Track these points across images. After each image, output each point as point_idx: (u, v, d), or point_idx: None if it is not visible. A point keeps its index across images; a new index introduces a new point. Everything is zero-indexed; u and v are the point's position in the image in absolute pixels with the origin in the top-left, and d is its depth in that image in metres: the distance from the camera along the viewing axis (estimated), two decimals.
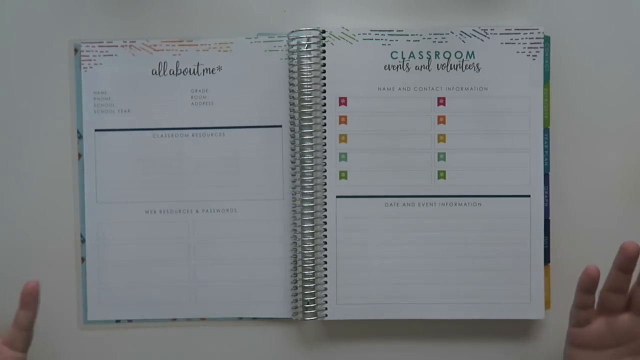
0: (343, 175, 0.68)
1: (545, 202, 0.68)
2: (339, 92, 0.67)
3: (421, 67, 0.67)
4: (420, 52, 0.67)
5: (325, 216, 0.68)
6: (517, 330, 0.69)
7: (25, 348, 0.62)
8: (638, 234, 0.68)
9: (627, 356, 0.60)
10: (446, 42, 0.67)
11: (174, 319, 0.70)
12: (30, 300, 0.61)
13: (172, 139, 0.69)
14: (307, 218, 0.68)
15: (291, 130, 0.68)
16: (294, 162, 0.68)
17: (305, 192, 0.67)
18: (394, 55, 0.67)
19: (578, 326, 0.61)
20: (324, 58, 0.67)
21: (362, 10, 0.69)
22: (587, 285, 0.59)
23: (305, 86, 0.67)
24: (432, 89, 0.68)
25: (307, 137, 0.67)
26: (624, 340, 0.60)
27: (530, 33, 0.67)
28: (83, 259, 0.69)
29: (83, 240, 0.69)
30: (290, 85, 0.68)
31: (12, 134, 0.69)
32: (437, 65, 0.67)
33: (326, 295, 0.68)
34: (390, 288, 0.68)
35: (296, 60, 0.67)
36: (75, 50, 0.69)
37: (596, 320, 0.61)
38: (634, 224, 0.69)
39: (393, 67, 0.67)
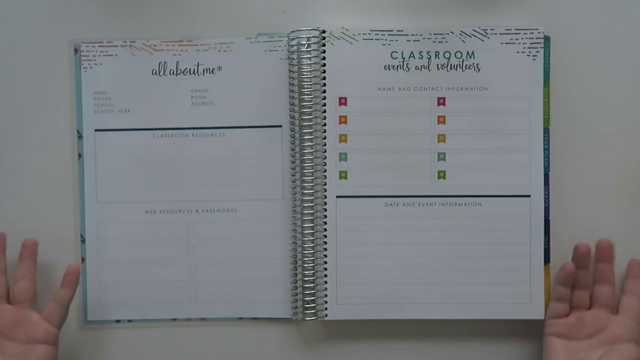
0: (343, 175, 0.68)
1: (545, 202, 0.68)
2: (339, 92, 0.67)
3: (421, 67, 0.67)
4: (420, 52, 0.67)
5: (325, 216, 0.68)
6: (517, 330, 0.69)
7: (61, 324, 0.66)
8: (638, 234, 0.68)
9: (601, 346, 0.65)
10: (446, 42, 0.67)
11: (174, 319, 0.70)
12: (72, 279, 0.66)
13: (172, 139, 0.69)
14: (307, 218, 0.68)
15: (291, 130, 0.68)
16: (294, 162, 0.68)
17: (305, 192, 0.67)
18: (394, 55, 0.67)
19: (554, 318, 0.66)
20: (324, 58, 0.67)
21: (362, 10, 0.69)
22: (563, 279, 0.66)
23: (305, 86, 0.67)
24: (432, 89, 0.68)
25: (307, 137, 0.67)
26: (594, 332, 0.65)
27: (530, 33, 0.67)
28: (83, 259, 0.70)
29: (83, 240, 0.69)
30: (290, 85, 0.68)
31: (12, 134, 0.69)
32: (437, 65, 0.67)
33: (326, 295, 0.68)
34: (390, 288, 0.68)
35: (296, 60, 0.67)
36: (75, 50, 0.69)
37: (570, 313, 0.66)
38: (634, 224, 0.69)
39: (393, 67, 0.67)
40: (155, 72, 0.69)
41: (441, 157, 0.68)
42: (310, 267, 0.67)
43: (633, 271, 0.67)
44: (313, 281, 0.67)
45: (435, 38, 0.67)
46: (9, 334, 0.64)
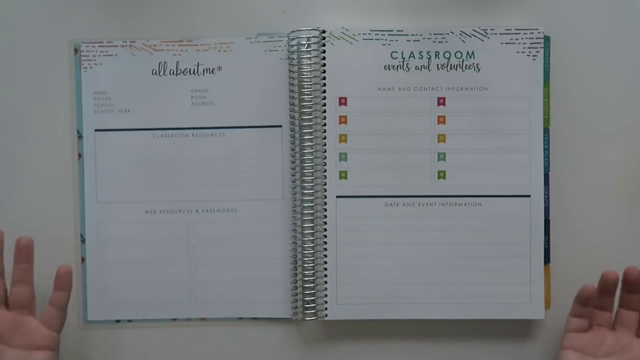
0: (343, 175, 0.68)
1: (545, 202, 0.68)
2: (339, 92, 0.67)
3: (421, 67, 0.67)
4: (420, 52, 0.67)
5: (325, 216, 0.68)
6: (517, 330, 0.69)
7: (60, 328, 0.65)
8: (638, 234, 0.68)
9: None
10: (446, 42, 0.67)
11: (174, 319, 0.70)
12: (64, 280, 0.64)
13: (172, 139, 0.69)
14: (307, 218, 0.68)
15: (291, 130, 0.68)
16: (294, 162, 0.68)
17: (305, 192, 0.67)
18: (394, 55, 0.67)
19: (573, 332, 0.65)
20: (324, 58, 0.67)
21: (362, 10, 0.69)
22: (582, 299, 0.65)
23: (305, 86, 0.67)
24: (432, 89, 0.68)
25: (307, 137, 0.67)
26: (613, 351, 0.64)
27: (530, 33, 0.67)
28: (83, 259, 0.69)
29: (83, 240, 0.69)
30: (290, 85, 0.68)
31: (12, 134, 0.69)
32: (437, 65, 0.67)
33: (326, 295, 0.68)
34: (390, 288, 0.68)
35: (296, 60, 0.67)
36: (75, 50, 0.69)
37: (590, 330, 0.65)
38: (634, 224, 0.69)
39: (393, 67, 0.67)
40: (155, 72, 0.69)
41: (441, 157, 0.68)
42: (310, 267, 0.67)
43: None
44: (313, 281, 0.67)
45: (435, 38, 0.67)
46: (9, 341, 0.63)
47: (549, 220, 0.68)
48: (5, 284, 0.65)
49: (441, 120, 0.68)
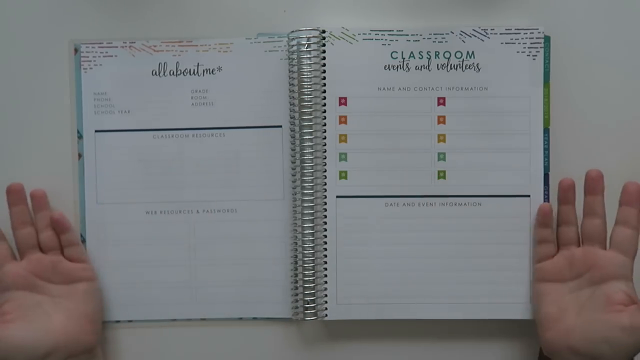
0: (343, 175, 0.68)
1: (545, 202, 0.68)
2: (339, 92, 0.67)
3: (421, 67, 0.67)
4: (420, 52, 0.67)
5: (325, 216, 0.68)
6: (517, 330, 0.69)
7: (86, 259, 0.68)
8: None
9: (587, 287, 0.63)
10: (446, 42, 0.67)
11: (174, 319, 0.70)
12: (63, 223, 0.67)
13: (172, 140, 0.69)
14: (307, 218, 0.68)
15: (291, 131, 0.68)
16: (294, 162, 0.68)
17: (305, 192, 0.67)
18: (394, 55, 0.67)
19: (540, 261, 0.65)
20: (324, 58, 0.67)
21: (362, 10, 0.69)
22: (540, 221, 0.66)
23: (305, 86, 0.67)
24: (432, 89, 0.68)
25: (307, 137, 0.67)
26: (582, 271, 0.64)
27: (530, 33, 0.67)
28: None
29: (83, 241, 0.69)
30: (290, 85, 0.68)
31: (12, 134, 0.69)
32: (437, 65, 0.67)
33: (326, 295, 0.68)
34: (390, 288, 0.68)
35: (296, 60, 0.67)
36: (76, 51, 0.69)
37: (556, 255, 0.65)
38: None
39: (393, 67, 0.67)
40: (155, 73, 0.69)
41: (441, 157, 0.68)
42: (310, 267, 0.67)
43: (626, 198, 0.63)
44: (313, 281, 0.67)
45: (435, 38, 0.67)
46: (51, 279, 0.66)
47: None
48: (35, 232, 0.67)
49: (441, 120, 0.68)
